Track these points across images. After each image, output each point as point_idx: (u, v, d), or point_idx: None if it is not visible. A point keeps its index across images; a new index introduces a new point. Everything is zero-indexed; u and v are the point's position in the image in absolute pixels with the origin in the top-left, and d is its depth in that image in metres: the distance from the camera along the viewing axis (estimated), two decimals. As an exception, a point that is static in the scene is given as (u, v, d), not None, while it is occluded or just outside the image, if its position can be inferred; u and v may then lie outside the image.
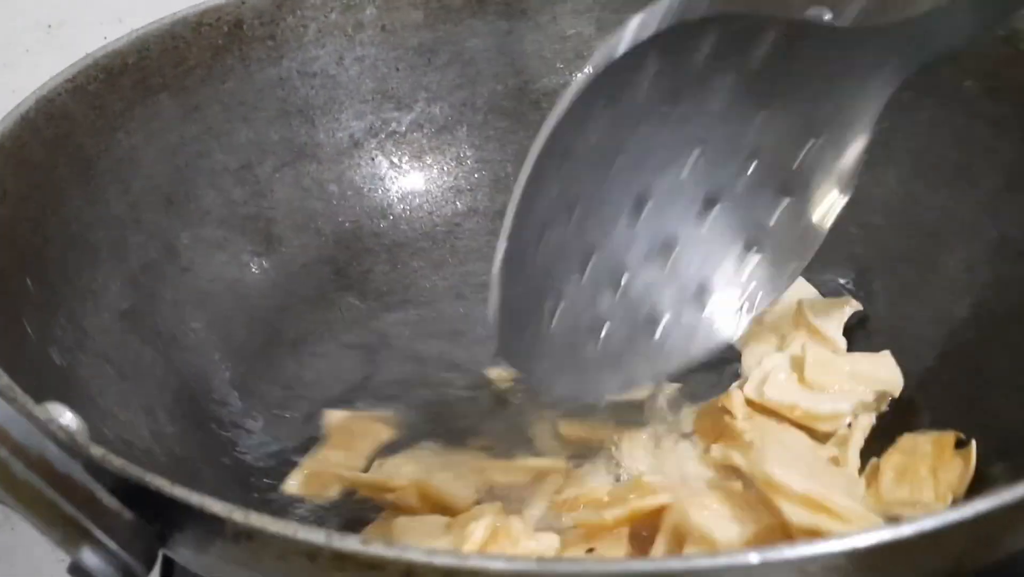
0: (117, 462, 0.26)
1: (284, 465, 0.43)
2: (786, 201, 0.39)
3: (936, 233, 0.47)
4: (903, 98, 0.49)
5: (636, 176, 0.36)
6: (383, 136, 0.55)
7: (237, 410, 0.45)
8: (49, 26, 0.54)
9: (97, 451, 0.26)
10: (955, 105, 0.48)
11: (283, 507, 0.41)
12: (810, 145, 0.39)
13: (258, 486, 0.42)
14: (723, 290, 0.39)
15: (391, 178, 0.55)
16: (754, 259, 0.39)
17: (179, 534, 0.26)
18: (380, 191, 0.55)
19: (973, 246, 0.46)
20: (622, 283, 0.36)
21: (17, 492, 0.23)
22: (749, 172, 0.38)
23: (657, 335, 0.37)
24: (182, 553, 0.28)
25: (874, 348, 0.45)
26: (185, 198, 0.49)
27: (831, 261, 0.49)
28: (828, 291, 0.49)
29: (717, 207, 0.38)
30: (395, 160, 0.55)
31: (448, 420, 0.46)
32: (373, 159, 0.55)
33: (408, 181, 0.55)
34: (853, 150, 0.39)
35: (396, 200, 0.55)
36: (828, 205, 0.40)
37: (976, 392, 0.42)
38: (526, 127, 0.56)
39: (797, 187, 0.39)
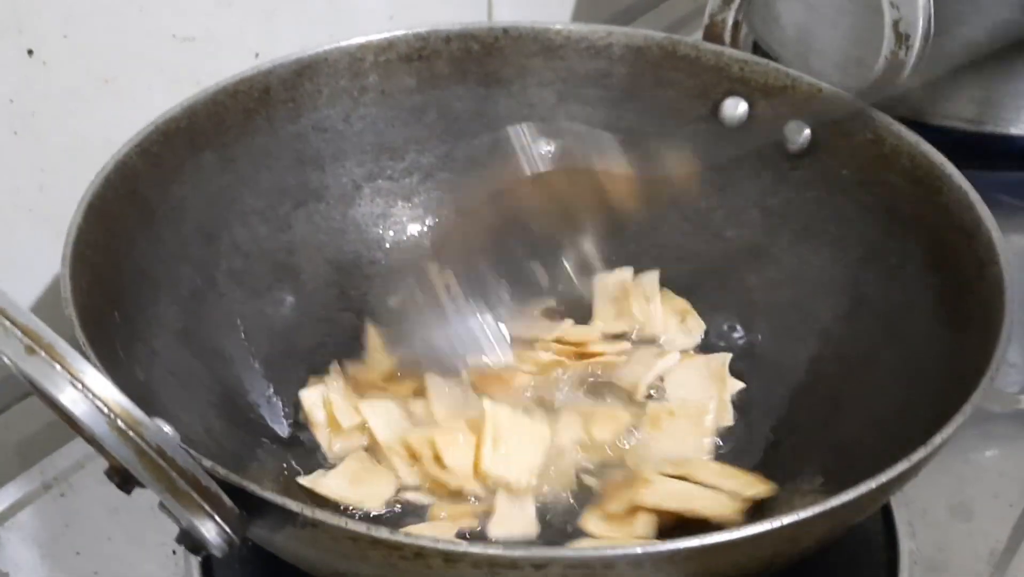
0: (222, 471, 0.38)
1: (307, 452, 0.56)
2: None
3: (816, 287, 0.61)
4: (798, 178, 0.62)
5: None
6: (380, 181, 0.67)
7: (267, 408, 0.57)
8: (105, 80, 0.64)
9: (207, 463, 0.39)
10: (835, 188, 0.61)
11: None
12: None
13: (289, 467, 0.54)
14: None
15: (385, 216, 0.67)
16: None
17: (261, 520, 0.39)
18: (376, 227, 0.67)
19: (840, 300, 0.59)
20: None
21: (177, 495, 0.35)
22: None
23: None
24: (258, 533, 0.41)
25: (760, 377, 0.59)
26: (222, 234, 0.60)
27: (731, 304, 0.63)
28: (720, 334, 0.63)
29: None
30: (389, 201, 0.67)
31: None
32: (371, 200, 0.67)
33: (399, 218, 0.68)
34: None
35: (389, 234, 0.67)
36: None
37: (832, 417, 0.55)
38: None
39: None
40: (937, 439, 0.40)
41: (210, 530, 0.36)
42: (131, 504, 0.58)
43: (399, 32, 0.65)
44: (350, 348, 0.63)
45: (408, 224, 0.68)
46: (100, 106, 0.64)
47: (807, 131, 0.61)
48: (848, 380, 0.56)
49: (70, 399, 0.33)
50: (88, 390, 0.33)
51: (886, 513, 0.59)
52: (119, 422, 0.34)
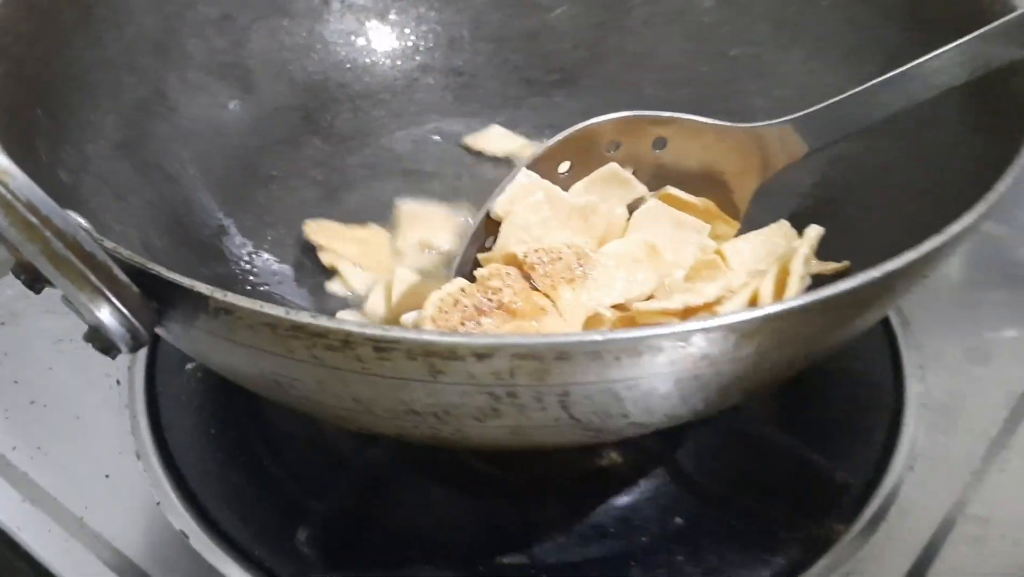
0: (125, 252, 0.34)
1: (262, 276, 0.51)
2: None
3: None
4: (810, -16, 0.56)
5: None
6: (352, -7, 0.61)
7: (217, 232, 0.52)
8: None
9: (109, 243, 0.34)
10: (852, -8, 0.54)
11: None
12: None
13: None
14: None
15: (357, 34, 0.61)
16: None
17: (172, 311, 0.34)
18: (346, 45, 0.61)
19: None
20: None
21: (57, 264, 0.31)
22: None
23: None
24: (173, 329, 0.36)
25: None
26: (172, 44, 0.55)
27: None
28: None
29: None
30: (361, 17, 0.61)
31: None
32: (341, 16, 0.61)
33: (372, 37, 0.62)
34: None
35: (361, 54, 0.61)
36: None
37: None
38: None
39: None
40: (955, 227, 0.34)
41: (112, 321, 0.32)
42: (76, 335, 0.55)
43: None
44: (314, 170, 0.57)
45: (383, 45, 0.62)
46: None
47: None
48: (857, 194, 0.50)
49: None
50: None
51: (895, 356, 0.54)
52: (21, 209, 0.29)
